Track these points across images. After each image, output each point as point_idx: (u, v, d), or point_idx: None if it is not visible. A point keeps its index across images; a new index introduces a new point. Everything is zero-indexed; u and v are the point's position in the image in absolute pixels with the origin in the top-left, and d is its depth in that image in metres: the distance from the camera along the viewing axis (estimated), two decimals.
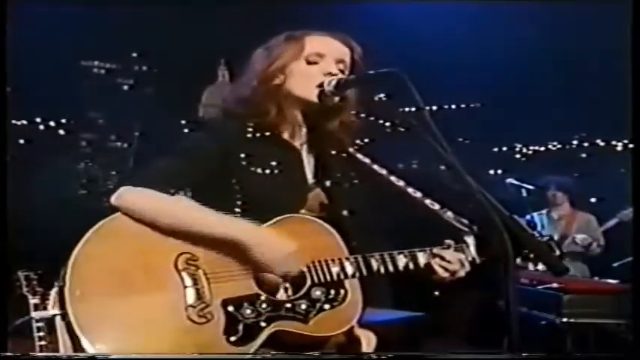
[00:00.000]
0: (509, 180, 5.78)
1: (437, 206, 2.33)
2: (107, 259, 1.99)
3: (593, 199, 6.96)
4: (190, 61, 7.16)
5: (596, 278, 5.90)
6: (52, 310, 3.43)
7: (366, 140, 2.44)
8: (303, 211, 2.22)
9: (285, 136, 2.33)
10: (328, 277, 2.07)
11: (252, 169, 2.16)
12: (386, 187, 2.37)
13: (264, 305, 2.01)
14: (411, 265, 2.20)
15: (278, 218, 2.10)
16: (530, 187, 5.73)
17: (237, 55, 7.83)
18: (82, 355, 3.00)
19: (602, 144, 8.10)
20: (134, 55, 7.43)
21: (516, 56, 7.35)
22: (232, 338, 1.95)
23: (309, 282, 2.07)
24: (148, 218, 2.03)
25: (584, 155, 8.24)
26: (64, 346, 3.05)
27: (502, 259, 2.00)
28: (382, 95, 2.37)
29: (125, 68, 7.46)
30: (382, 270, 2.13)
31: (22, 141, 6.95)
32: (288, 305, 2.04)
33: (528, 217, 6.25)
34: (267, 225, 2.12)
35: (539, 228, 5.99)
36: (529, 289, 5.06)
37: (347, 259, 2.11)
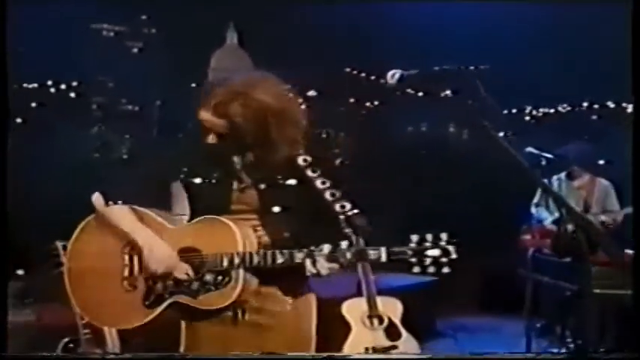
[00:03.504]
0: (529, 149, 6.08)
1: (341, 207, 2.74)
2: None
3: (601, 162, 7.23)
4: (199, 24, 7.51)
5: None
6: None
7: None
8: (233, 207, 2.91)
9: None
10: (219, 267, 2.79)
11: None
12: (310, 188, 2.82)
13: (169, 282, 2.85)
14: (288, 263, 2.77)
15: (198, 219, 2.88)
16: (550, 156, 6.02)
17: (246, 18, 8.21)
18: (84, 355, 3.72)
19: (612, 106, 8.47)
20: (143, 17, 7.83)
21: (526, 18, 7.63)
22: (146, 302, 2.87)
23: (205, 269, 2.82)
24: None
25: (594, 117, 8.61)
26: None
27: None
28: (448, 92, 2.65)
29: (134, 31, 7.85)
30: (262, 264, 2.76)
31: (34, 104, 7.43)
32: (186, 284, 2.84)
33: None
34: (186, 224, 2.91)
35: None
36: (555, 260, 5.31)
37: (237, 253, 2.77)
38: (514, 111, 8.64)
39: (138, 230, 2.86)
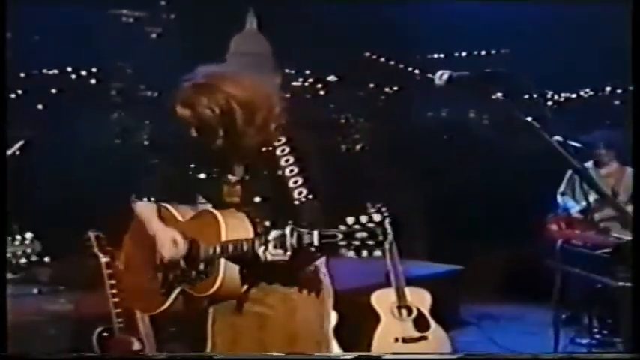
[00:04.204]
0: (556, 137, 6.07)
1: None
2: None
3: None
4: (218, 9, 7.53)
5: None
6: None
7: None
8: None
9: None
10: (208, 255, 2.98)
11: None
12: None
13: (178, 272, 3.08)
14: (251, 251, 2.90)
15: (198, 211, 3.13)
16: (577, 145, 6.03)
17: (265, 2, 8.24)
18: (85, 355, 3.88)
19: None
20: (162, 3, 7.87)
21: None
22: (162, 290, 3.11)
23: (200, 258, 3.02)
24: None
25: (617, 102, 8.61)
26: None
27: None
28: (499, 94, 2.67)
29: (153, 17, 7.89)
30: (235, 253, 2.91)
31: (54, 90, 7.49)
32: (187, 274, 3.06)
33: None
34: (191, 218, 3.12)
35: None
36: (584, 251, 5.30)
37: (218, 244, 2.93)
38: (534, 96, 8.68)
39: (151, 223, 3.11)
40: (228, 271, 2.92)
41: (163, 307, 3.09)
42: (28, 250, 2.61)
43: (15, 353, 3.16)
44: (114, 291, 4.14)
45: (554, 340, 5.14)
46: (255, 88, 3.00)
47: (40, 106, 7.26)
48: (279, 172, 2.96)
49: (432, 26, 7.80)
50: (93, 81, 7.65)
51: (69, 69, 7.58)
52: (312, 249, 2.70)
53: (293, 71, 8.35)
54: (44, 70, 7.45)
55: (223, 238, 2.90)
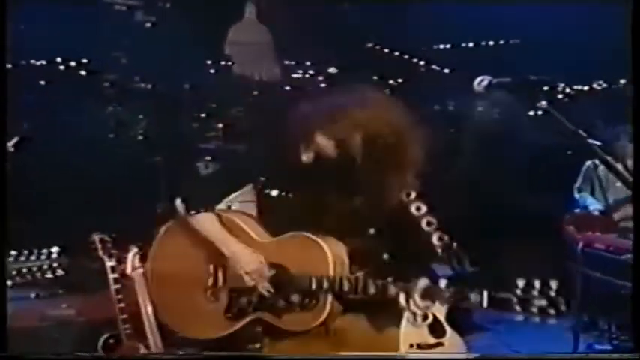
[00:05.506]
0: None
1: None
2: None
3: None
4: None
5: None
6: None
7: None
8: None
9: None
10: (307, 288, 2.81)
11: None
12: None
13: (254, 298, 2.90)
14: (380, 294, 2.79)
15: (289, 234, 2.91)
16: (597, 142, 5.95)
17: None
18: (86, 355, 3.80)
19: None
20: None
21: None
22: (228, 315, 2.94)
23: (291, 288, 2.85)
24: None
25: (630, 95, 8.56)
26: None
27: None
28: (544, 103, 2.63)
29: (147, 5, 7.80)
30: (352, 291, 2.76)
31: (42, 82, 7.39)
32: (270, 301, 2.89)
33: None
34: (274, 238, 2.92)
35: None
36: (605, 254, 5.28)
37: (327, 277, 2.78)
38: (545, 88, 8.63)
39: (225, 240, 2.91)
40: (334, 308, 2.81)
41: (226, 332, 2.94)
42: (55, 265, 2.56)
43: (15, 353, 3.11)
44: (120, 296, 4.07)
45: (574, 346, 5.13)
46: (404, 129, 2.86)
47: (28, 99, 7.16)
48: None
49: (437, 16, 7.76)
50: (83, 72, 7.58)
51: (58, 59, 7.51)
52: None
53: (293, 62, 8.31)
54: (32, 61, 7.37)
55: (331, 271, 2.78)
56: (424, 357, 4.47)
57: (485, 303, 2.64)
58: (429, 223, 2.85)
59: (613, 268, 5.08)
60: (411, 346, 4.90)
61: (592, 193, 6.10)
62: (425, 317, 5.06)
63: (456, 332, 5.06)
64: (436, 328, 5.00)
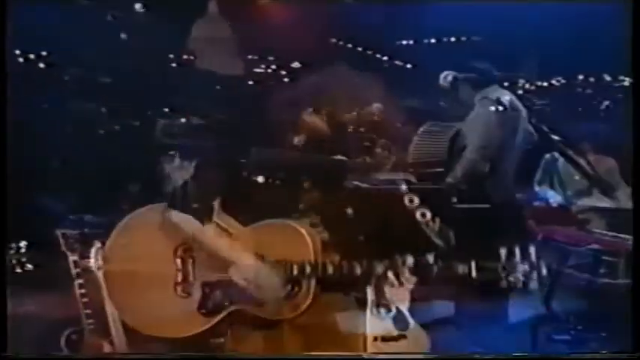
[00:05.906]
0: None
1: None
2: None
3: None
4: None
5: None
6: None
7: None
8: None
9: None
10: (288, 275, 2.84)
11: None
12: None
13: (232, 290, 2.88)
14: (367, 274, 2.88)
15: (262, 222, 2.93)
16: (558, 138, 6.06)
17: None
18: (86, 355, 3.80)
19: (608, 79, 8.58)
20: None
21: None
22: (203, 310, 2.88)
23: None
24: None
25: (589, 91, 8.72)
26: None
27: None
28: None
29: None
30: (337, 274, 2.81)
31: None
32: (249, 292, 2.87)
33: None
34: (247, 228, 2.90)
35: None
36: (570, 248, 5.45)
37: (309, 262, 2.81)
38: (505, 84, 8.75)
39: (214, 240, 2.87)
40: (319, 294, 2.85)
41: (203, 329, 2.87)
42: (23, 259, 2.57)
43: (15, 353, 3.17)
44: (83, 291, 4.10)
45: (532, 339, 5.24)
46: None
47: None
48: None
49: (402, 11, 7.83)
50: (42, 65, 7.53)
51: (17, 52, 7.44)
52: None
53: (256, 57, 8.33)
54: None
55: (312, 257, 2.77)
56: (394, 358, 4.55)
57: (474, 273, 2.71)
58: (411, 201, 2.87)
59: (572, 261, 5.19)
60: (375, 339, 4.98)
61: (552, 186, 6.22)
62: (388, 310, 5.14)
63: (419, 325, 5.16)
64: (399, 321, 5.09)
